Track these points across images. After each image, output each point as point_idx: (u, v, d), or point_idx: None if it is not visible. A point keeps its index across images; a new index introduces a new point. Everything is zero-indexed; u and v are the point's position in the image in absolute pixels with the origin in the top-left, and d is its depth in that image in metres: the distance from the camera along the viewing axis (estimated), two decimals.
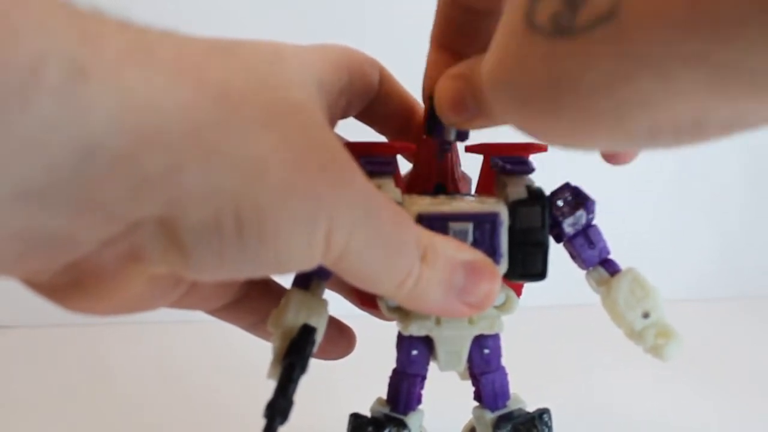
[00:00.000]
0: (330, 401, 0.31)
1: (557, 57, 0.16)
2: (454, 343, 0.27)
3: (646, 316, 0.26)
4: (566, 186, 0.27)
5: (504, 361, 0.29)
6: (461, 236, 0.25)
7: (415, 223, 0.23)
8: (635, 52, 0.15)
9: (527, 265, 0.26)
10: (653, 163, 0.67)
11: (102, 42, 0.17)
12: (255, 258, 0.19)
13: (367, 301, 0.29)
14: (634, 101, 0.15)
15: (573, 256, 0.28)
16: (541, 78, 0.17)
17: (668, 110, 0.15)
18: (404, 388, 0.28)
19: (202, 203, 0.18)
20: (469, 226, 0.25)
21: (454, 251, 0.23)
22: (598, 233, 0.27)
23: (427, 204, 0.25)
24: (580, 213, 0.26)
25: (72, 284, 0.19)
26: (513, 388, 0.29)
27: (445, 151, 0.27)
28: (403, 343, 0.28)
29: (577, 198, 0.26)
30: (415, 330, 0.27)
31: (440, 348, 0.27)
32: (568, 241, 0.27)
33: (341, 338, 0.30)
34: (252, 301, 0.28)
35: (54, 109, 0.15)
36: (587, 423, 0.42)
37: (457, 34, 0.26)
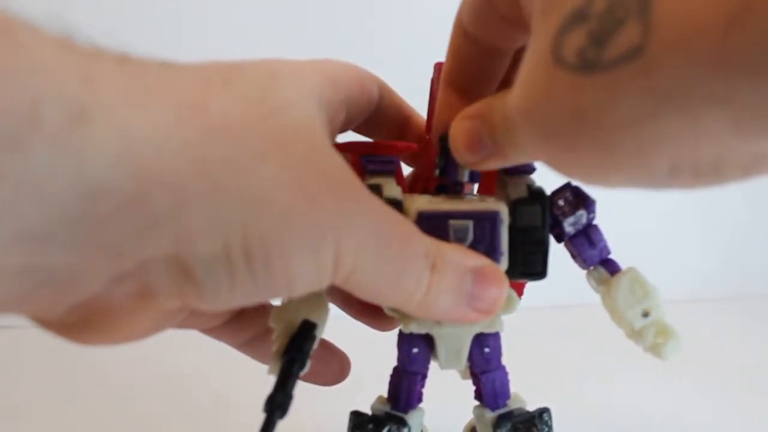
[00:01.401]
0: (331, 399, 0.31)
1: (583, 91, 0.16)
2: (454, 341, 0.27)
3: (645, 315, 0.26)
4: (567, 185, 0.27)
5: (504, 361, 0.29)
6: (461, 234, 0.25)
7: (420, 231, 0.23)
8: (661, 89, 0.15)
9: (527, 264, 0.26)
10: None
11: (101, 82, 0.17)
12: (265, 285, 0.19)
13: (364, 312, 0.29)
14: (657, 138, 0.15)
15: (573, 256, 0.28)
16: (567, 111, 0.17)
17: (691, 150, 0.16)
18: (405, 386, 0.28)
19: (210, 237, 0.18)
20: (469, 224, 0.25)
21: (462, 258, 0.23)
22: (599, 233, 0.27)
23: (428, 202, 0.25)
24: (581, 212, 0.26)
25: (82, 322, 0.19)
26: (513, 388, 0.29)
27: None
28: (404, 341, 0.28)
29: (577, 197, 0.27)
30: (416, 328, 0.27)
31: (440, 346, 0.27)
32: (569, 241, 0.27)
33: (334, 361, 0.30)
34: (245, 319, 0.28)
35: (53, 154, 0.15)
36: (587, 423, 0.42)
37: (471, 74, 0.26)
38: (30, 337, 0.58)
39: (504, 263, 0.25)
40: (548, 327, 0.59)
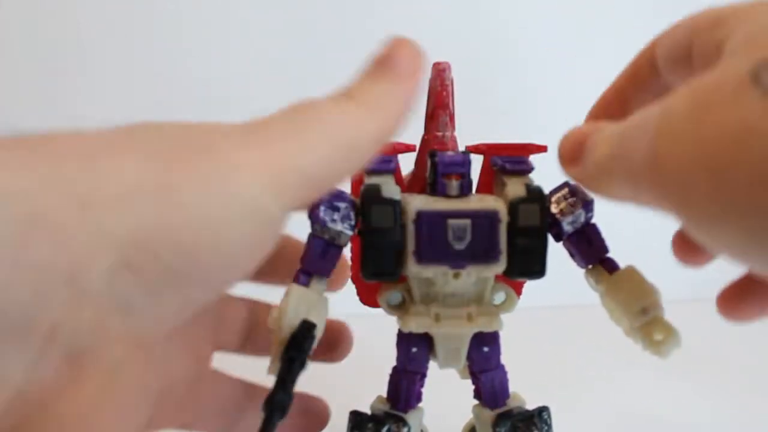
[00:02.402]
0: (330, 399, 0.31)
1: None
2: (453, 340, 0.27)
3: (644, 313, 0.26)
4: (565, 184, 0.27)
5: (504, 361, 0.29)
6: (460, 233, 0.25)
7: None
8: None
9: (526, 263, 0.26)
10: None
11: None
12: (188, 269, 0.18)
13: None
14: None
15: (572, 255, 0.28)
16: (744, 125, 0.16)
17: None
18: (404, 386, 0.28)
19: (98, 255, 0.17)
20: (468, 223, 0.25)
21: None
22: (597, 232, 0.27)
23: (426, 201, 0.26)
24: (579, 212, 0.26)
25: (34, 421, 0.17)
26: (512, 388, 0.29)
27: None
28: (403, 340, 0.28)
29: (575, 196, 0.26)
30: (415, 327, 0.27)
31: (440, 345, 0.27)
32: (567, 240, 0.27)
33: (313, 413, 0.30)
34: (229, 320, 0.27)
35: None
36: (587, 423, 0.42)
37: (635, 103, 0.26)
38: None
39: (503, 262, 0.26)
40: (548, 327, 0.59)
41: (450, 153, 0.27)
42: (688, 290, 0.69)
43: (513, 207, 0.26)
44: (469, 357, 0.28)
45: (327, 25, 0.61)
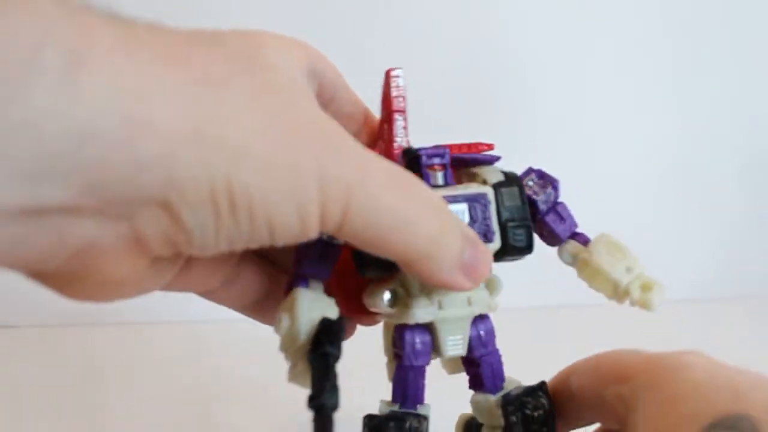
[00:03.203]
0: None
1: None
2: (457, 325, 0.28)
3: (629, 271, 0.28)
4: (531, 169, 0.29)
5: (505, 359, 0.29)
6: (459, 216, 0.26)
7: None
8: None
9: (515, 241, 0.27)
10: (654, 164, 0.67)
11: (94, 33, 0.18)
12: (249, 232, 0.20)
13: (353, 308, 0.29)
14: None
15: (544, 235, 0.29)
16: None
17: None
18: (413, 382, 0.28)
19: (197, 183, 0.19)
20: (465, 207, 0.27)
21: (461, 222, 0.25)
22: (566, 209, 0.29)
23: None
24: (550, 191, 0.29)
25: (77, 272, 0.20)
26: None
27: None
28: (406, 336, 0.28)
29: (543, 178, 0.29)
30: (421, 315, 0.27)
31: (444, 333, 0.27)
32: (542, 219, 0.29)
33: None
34: (244, 281, 0.28)
35: (50, 97, 0.16)
36: None
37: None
38: (30, 337, 0.59)
39: (497, 242, 0.27)
40: (543, 327, 0.59)
41: (429, 147, 0.28)
42: (688, 290, 0.69)
43: (496, 190, 0.27)
44: (468, 345, 0.28)
45: (328, 30, 0.61)
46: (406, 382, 0.28)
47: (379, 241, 0.22)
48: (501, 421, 0.28)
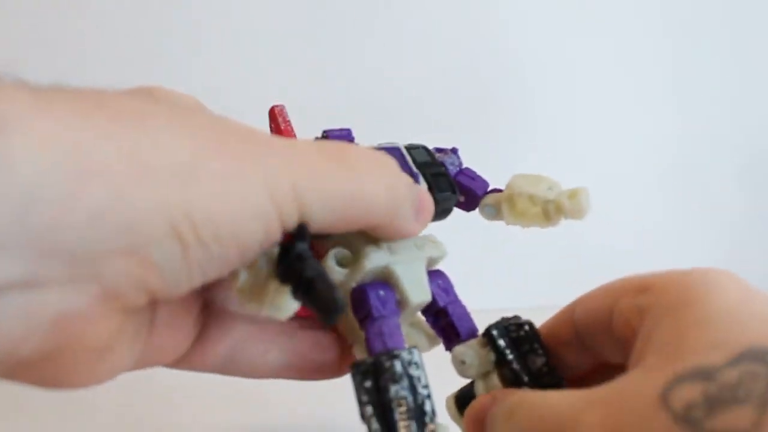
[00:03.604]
0: (329, 398, 0.31)
1: None
2: (413, 268, 0.27)
3: (551, 189, 0.29)
4: (420, 144, 0.30)
5: None
6: None
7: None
8: None
9: (440, 188, 0.28)
10: (654, 164, 0.67)
11: (10, 96, 0.17)
12: (219, 254, 0.20)
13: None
14: None
15: (460, 201, 0.30)
16: None
17: None
18: (389, 330, 0.26)
19: (156, 220, 0.18)
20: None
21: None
22: (472, 170, 0.31)
23: None
24: (454, 156, 0.31)
25: (55, 353, 0.19)
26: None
27: None
28: (367, 291, 0.27)
29: (444, 150, 0.31)
30: (376, 260, 0.26)
31: (402, 277, 0.27)
32: (455, 179, 0.30)
33: (331, 346, 0.29)
34: (213, 336, 0.27)
35: None
36: None
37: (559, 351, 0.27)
38: None
39: (423, 184, 0.28)
40: None
41: (335, 129, 0.30)
42: None
43: (408, 150, 0.29)
44: (432, 301, 0.28)
45: (328, 30, 0.61)
46: (382, 332, 0.26)
47: (341, 222, 0.23)
48: (491, 357, 0.27)
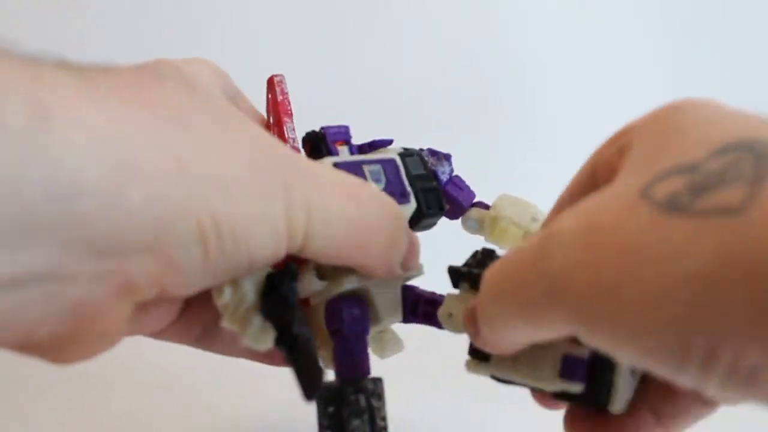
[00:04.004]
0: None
1: (657, 227, 0.16)
2: (389, 290, 0.28)
3: (534, 220, 0.29)
4: (420, 149, 0.31)
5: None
6: (377, 176, 0.28)
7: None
8: (745, 249, 0.15)
9: (428, 204, 0.29)
10: None
11: (51, 81, 0.17)
12: (232, 260, 0.20)
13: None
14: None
15: (450, 204, 0.30)
16: (628, 242, 0.16)
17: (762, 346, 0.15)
18: (358, 352, 0.27)
19: (186, 222, 0.19)
20: (380, 167, 0.28)
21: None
22: (462, 180, 0.31)
23: (336, 159, 0.28)
24: (446, 164, 0.31)
25: (69, 335, 0.19)
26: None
27: None
28: (342, 307, 0.27)
29: (435, 155, 0.31)
30: (355, 282, 0.27)
31: (377, 296, 0.27)
32: (443, 189, 0.30)
33: None
34: (192, 313, 0.27)
35: (20, 154, 0.16)
36: None
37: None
38: None
39: (414, 203, 0.28)
40: None
41: (332, 126, 0.30)
42: None
43: (402, 158, 0.29)
44: (411, 308, 0.28)
45: (328, 30, 0.61)
46: (352, 353, 0.27)
47: (335, 258, 0.24)
48: (466, 287, 0.27)
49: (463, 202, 0.30)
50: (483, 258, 0.27)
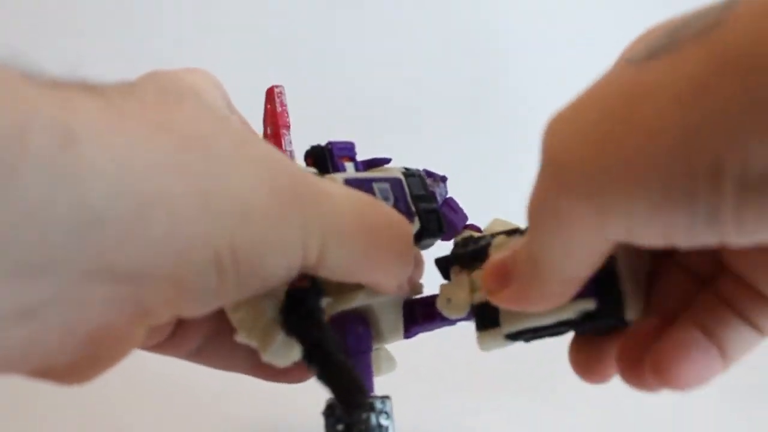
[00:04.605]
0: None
1: (645, 72, 0.16)
2: (391, 309, 0.28)
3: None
4: (418, 170, 0.31)
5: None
6: (385, 194, 0.28)
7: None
8: (732, 54, 0.14)
9: (429, 224, 0.29)
10: None
11: (77, 107, 0.17)
12: (247, 284, 0.20)
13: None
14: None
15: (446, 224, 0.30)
16: (619, 96, 0.16)
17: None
18: (363, 367, 0.27)
19: (204, 247, 0.19)
20: (388, 186, 0.28)
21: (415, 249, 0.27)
22: (456, 203, 0.31)
23: (347, 175, 0.28)
24: (443, 185, 0.31)
25: (86, 360, 0.19)
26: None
27: None
28: (346, 327, 0.27)
29: (432, 176, 0.31)
30: (364, 297, 0.27)
31: (381, 315, 0.28)
32: (438, 210, 0.30)
33: None
34: (188, 329, 0.27)
35: (45, 180, 0.15)
36: (587, 423, 0.42)
37: None
38: None
39: (417, 223, 0.29)
40: None
41: (338, 141, 0.30)
42: None
43: (405, 177, 0.29)
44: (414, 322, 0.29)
45: (328, 30, 0.61)
46: (359, 370, 0.27)
47: (347, 278, 0.24)
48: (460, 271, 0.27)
49: (457, 224, 0.31)
50: (465, 243, 0.27)
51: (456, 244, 0.28)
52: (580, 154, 0.17)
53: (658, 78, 0.16)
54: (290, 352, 0.24)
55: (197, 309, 0.20)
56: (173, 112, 0.20)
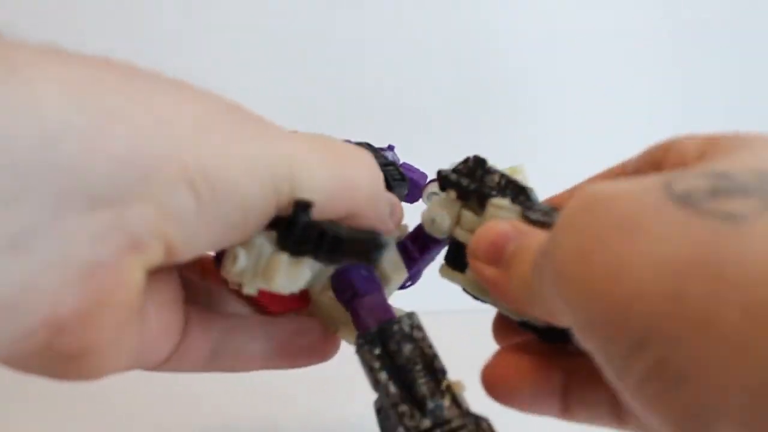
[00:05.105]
0: (326, 398, 0.31)
1: (663, 212, 0.16)
2: (390, 249, 0.29)
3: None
4: (364, 142, 0.31)
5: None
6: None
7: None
8: (753, 250, 0.14)
9: (393, 175, 0.30)
10: None
11: (13, 44, 0.18)
12: (226, 209, 0.21)
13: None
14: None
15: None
16: (631, 216, 0.16)
17: None
18: (378, 304, 0.27)
19: (171, 163, 0.19)
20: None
21: None
22: (410, 164, 0.33)
23: None
24: (392, 153, 0.33)
25: (91, 311, 0.19)
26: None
27: None
28: (350, 272, 0.27)
29: (380, 148, 0.32)
30: None
31: (384, 259, 0.28)
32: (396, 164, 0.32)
33: (313, 331, 0.29)
34: (197, 331, 0.26)
35: (3, 102, 0.16)
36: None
37: None
38: None
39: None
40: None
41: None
42: None
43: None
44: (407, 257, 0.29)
45: (327, 31, 0.61)
46: (373, 308, 0.26)
47: (328, 204, 0.23)
48: (453, 195, 0.27)
49: (419, 181, 0.32)
50: (474, 166, 0.27)
51: (459, 171, 0.27)
52: (571, 246, 0.18)
53: (662, 226, 0.16)
54: (301, 271, 0.23)
55: (186, 237, 0.20)
56: (116, 60, 0.20)
